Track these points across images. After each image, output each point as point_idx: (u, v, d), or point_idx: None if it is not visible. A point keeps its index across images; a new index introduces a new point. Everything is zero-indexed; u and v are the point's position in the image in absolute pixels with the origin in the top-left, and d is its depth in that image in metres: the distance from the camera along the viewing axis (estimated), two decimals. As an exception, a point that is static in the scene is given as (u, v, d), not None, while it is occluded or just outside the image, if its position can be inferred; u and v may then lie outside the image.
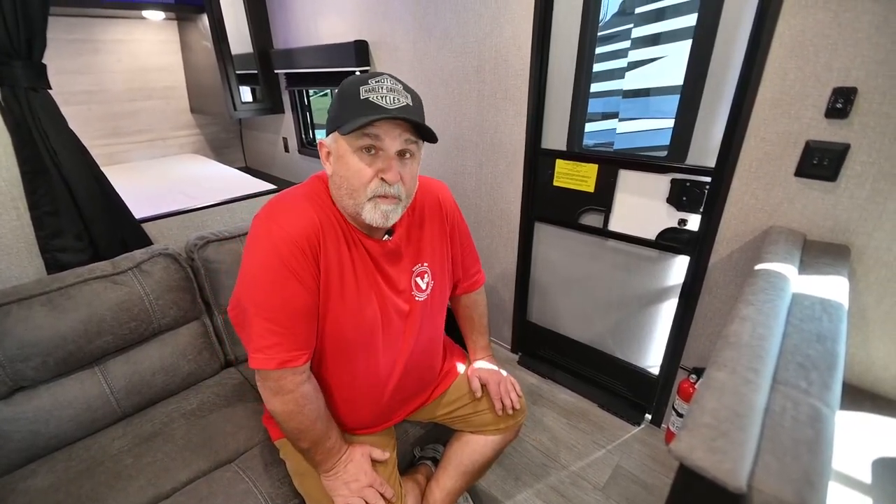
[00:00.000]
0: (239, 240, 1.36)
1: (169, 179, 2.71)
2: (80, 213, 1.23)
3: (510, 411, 1.07)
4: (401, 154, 0.76)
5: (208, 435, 1.11)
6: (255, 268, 0.76)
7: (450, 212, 1.00)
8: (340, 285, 0.81)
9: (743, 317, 0.74)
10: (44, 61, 1.16)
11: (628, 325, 1.63)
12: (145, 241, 1.39)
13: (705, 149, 1.26)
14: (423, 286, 0.93)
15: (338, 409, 0.92)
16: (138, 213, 1.41)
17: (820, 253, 1.01)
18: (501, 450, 1.13)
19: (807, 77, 1.01)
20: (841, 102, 0.97)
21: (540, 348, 1.94)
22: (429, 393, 1.07)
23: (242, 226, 1.41)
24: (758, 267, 0.92)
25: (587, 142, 1.58)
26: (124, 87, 3.08)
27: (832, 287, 0.86)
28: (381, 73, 0.75)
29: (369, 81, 0.73)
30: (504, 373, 1.12)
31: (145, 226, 1.41)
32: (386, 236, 0.87)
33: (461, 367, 1.14)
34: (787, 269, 0.90)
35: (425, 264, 0.93)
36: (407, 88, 0.76)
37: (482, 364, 1.13)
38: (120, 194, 1.36)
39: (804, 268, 0.95)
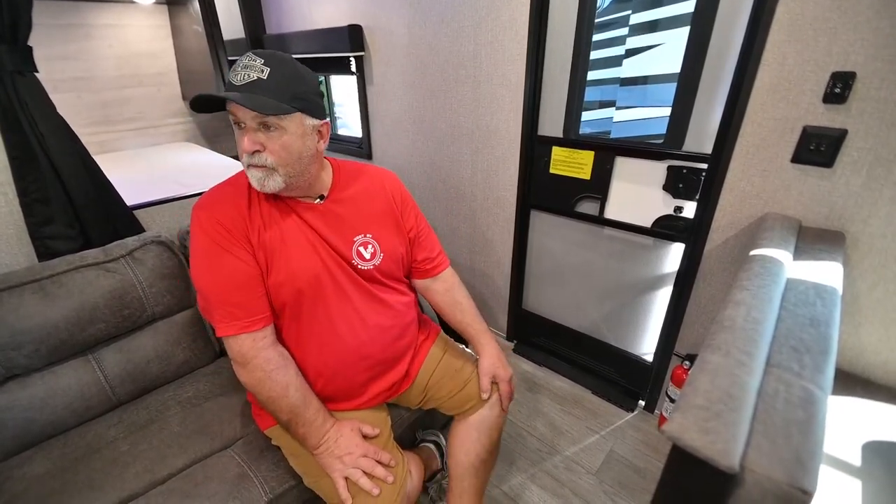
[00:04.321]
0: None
1: (162, 168, 2.68)
2: (70, 200, 1.21)
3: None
4: (265, 126, 0.78)
5: (204, 422, 1.11)
6: (196, 255, 0.85)
7: (397, 196, 1.04)
8: (278, 246, 0.87)
9: (737, 301, 0.74)
10: (31, 45, 1.13)
11: (623, 312, 1.64)
12: (137, 228, 1.37)
13: (702, 135, 1.25)
14: (368, 255, 0.96)
15: (311, 379, 0.93)
16: (130, 202, 1.39)
17: (815, 239, 1.01)
18: (498, 434, 1.12)
19: (806, 62, 1.00)
20: (839, 87, 0.96)
21: (535, 336, 1.95)
22: (404, 369, 1.04)
23: (236, 213, 1.39)
24: (753, 252, 0.92)
25: (584, 130, 1.57)
26: (115, 73, 3.03)
27: (826, 273, 0.86)
28: (255, 51, 0.79)
29: (236, 63, 0.78)
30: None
31: (137, 213, 1.39)
32: (318, 200, 0.93)
33: (434, 342, 1.13)
34: (781, 255, 0.90)
35: (369, 235, 0.96)
36: (270, 62, 0.77)
37: (494, 348, 1.10)
38: (111, 182, 1.34)
39: (799, 254, 0.95)
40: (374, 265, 0.96)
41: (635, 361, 1.64)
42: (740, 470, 0.48)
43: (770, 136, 1.09)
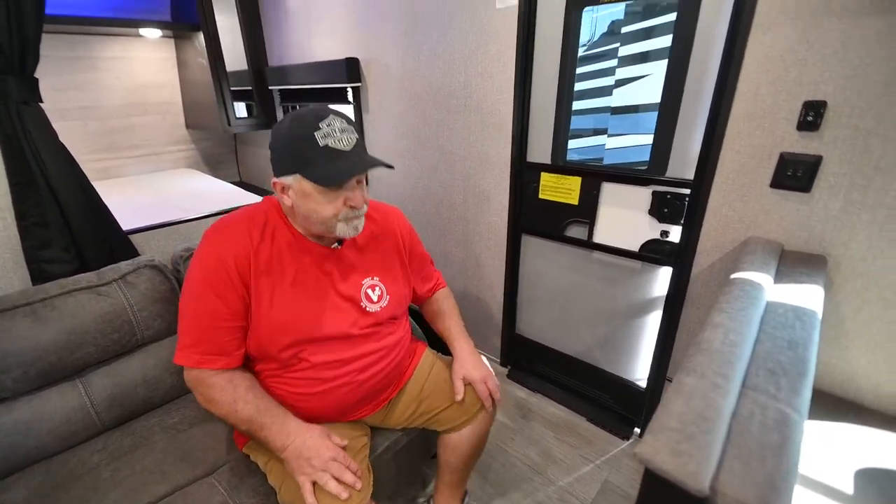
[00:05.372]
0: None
1: (163, 193, 2.72)
2: (67, 224, 1.24)
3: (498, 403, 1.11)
4: (358, 181, 0.87)
5: (187, 449, 1.09)
6: (188, 282, 0.88)
7: (405, 234, 1.10)
8: (283, 285, 0.89)
9: (716, 324, 0.75)
10: (38, 76, 1.18)
11: (615, 336, 1.63)
12: (133, 252, 1.39)
13: (684, 161, 1.28)
14: (375, 298, 0.99)
15: (297, 407, 0.93)
16: (133, 225, 1.42)
17: (796, 263, 1.03)
18: (487, 432, 1.15)
19: (778, 91, 1.04)
20: (812, 115, 1.00)
21: (529, 361, 1.94)
22: (391, 394, 1.09)
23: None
24: (733, 276, 0.93)
25: (577, 157, 1.61)
26: (121, 102, 3.12)
27: (806, 295, 0.87)
28: (325, 111, 0.82)
29: (321, 125, 0.80)
30: (485, 360, 1.13)
31: (133, 237, 1.42)
32: (336, 245, 0.96)
33: (423, 357, 1.15)
34: (762, 278, 0.91)
35: (376, 278, 1.01)
36: (348, 120, 0.84)
37: (465, 351, 1.11)
38: (110, 207, 1.36)
39: (780, 277, 0.96)
40: (380, 307, 1.00)
41: (629, 387, 1.62)
42: (711, 493, 0.48)
43: (749, 163, 1.12)
